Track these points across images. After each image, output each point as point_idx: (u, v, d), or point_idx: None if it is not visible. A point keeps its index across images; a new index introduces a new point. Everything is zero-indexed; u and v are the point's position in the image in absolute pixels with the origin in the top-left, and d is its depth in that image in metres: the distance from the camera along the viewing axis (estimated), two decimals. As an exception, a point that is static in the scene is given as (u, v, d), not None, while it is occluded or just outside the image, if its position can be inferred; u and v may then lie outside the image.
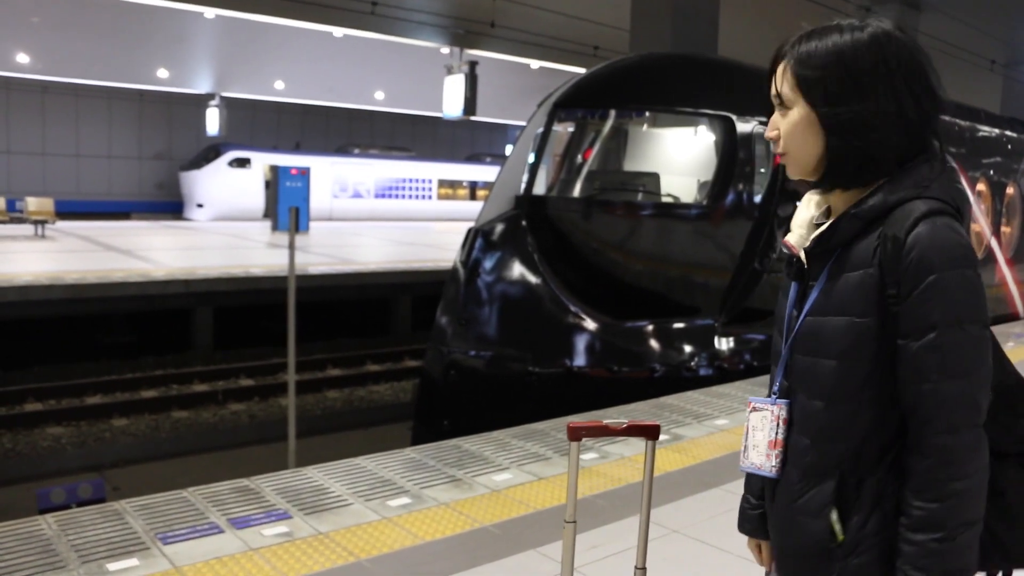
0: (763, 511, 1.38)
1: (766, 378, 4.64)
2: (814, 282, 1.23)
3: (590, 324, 5.48)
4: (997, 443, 1.18)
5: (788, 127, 1.21)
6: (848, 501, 1.19)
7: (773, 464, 1.27)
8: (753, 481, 1.41)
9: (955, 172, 1.22)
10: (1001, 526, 1.21)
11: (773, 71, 1.24)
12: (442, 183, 27.31)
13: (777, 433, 1.27)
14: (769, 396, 1.30)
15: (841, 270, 1.19)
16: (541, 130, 5.91)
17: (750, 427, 1.32)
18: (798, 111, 1.20)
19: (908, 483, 1.14)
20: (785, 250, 1.31)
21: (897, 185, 1.17)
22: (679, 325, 5.75)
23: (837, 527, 1.19)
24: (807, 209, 1.31)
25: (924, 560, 1.11)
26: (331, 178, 24.42)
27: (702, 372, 5.63)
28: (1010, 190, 9.34)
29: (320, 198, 23.08)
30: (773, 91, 1.23)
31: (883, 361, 1.15)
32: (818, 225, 1.26)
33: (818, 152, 1.20)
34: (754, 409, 1.32)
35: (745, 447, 1.33)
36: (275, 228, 6.08)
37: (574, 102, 6.17)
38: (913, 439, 1.14)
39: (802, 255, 1.26)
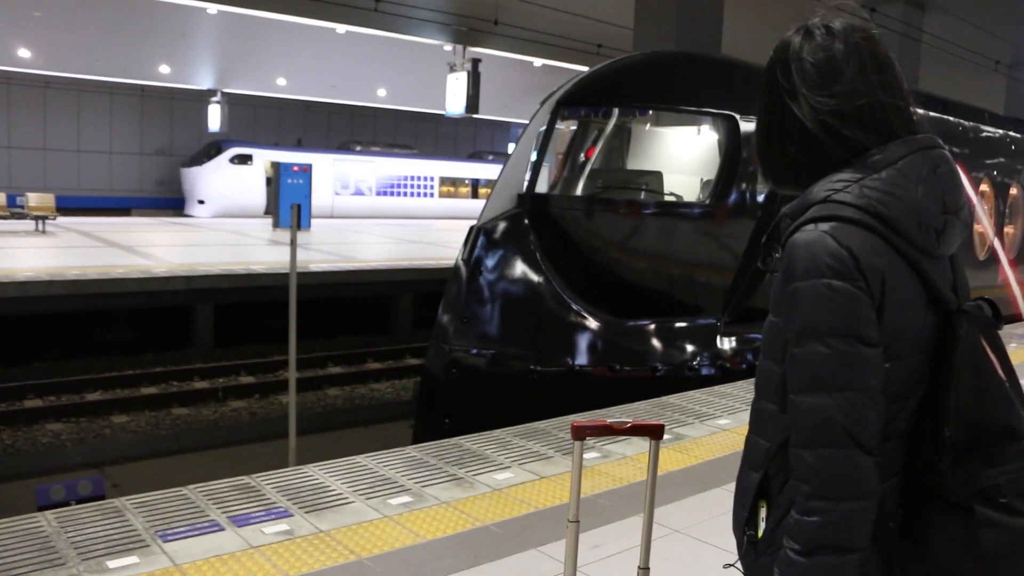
0: None
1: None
2: None
3: (592, 323, 5.46)
4: (951, 491, 1.10)
5: (758, 127, 1.28)
6: (771, 499, 1.17)
7: None
8: None
9: (908, 172, 1.12)
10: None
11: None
12: (444, 181, 27.29)
13: None
14: None
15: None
16: (544, 128, 5.89)
17: None
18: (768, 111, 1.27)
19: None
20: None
21: (820, 185, 1.14)
22: (681, 324, 5.73)
23: (762, 523, 1.18)
24: None
25: (783, 567, 1.09)
26: (333, 175, 24.40)
27: (704, 372, 5.61)
28: (1014, 191, 9.32)
29: (322, 195, 23.06)
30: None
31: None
32: None
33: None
34: None
35: None
36: (276, 225, 6.06)
37: (577, 100, 6.15)
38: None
39: None
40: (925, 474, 1.12)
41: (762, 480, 1.18)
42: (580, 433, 1.85)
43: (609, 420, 1.85)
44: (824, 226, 1.09)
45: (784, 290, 1.11)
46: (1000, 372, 1.13)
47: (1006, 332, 7.84)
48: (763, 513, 1.18)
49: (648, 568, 1.94)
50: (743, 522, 1.21)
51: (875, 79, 1.15)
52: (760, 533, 1.18)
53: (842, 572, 1.06)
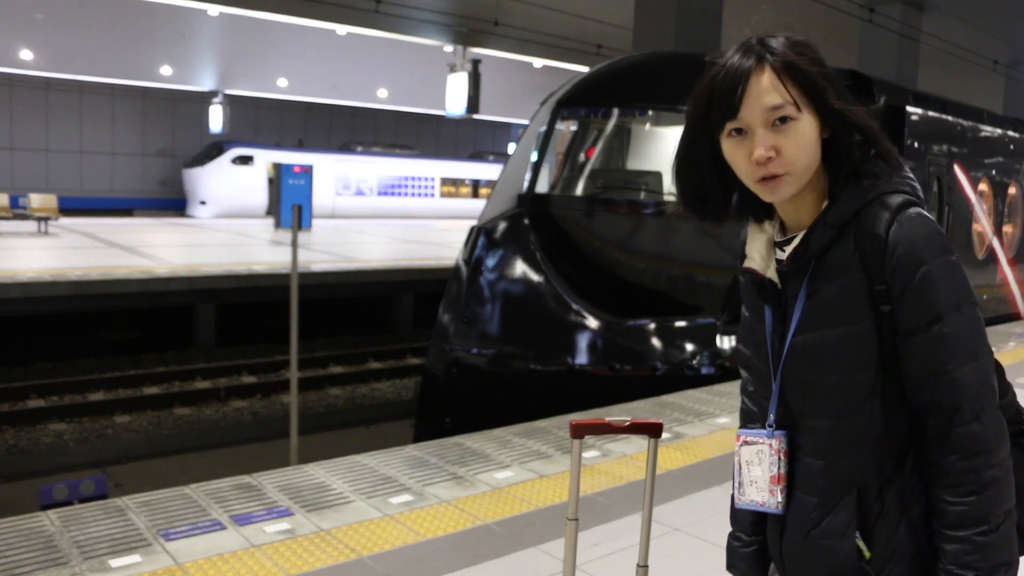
0: (758, 547, 1.31)
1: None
2: (794, 300, 1.18)
3: (592, 322, 5.48)
4: None
5: (801, 140, 1.10)
6: (871, 513, 1.14)
7: (779, 500, 1.21)
8: (743, 516, 1.32)
9: (900, 165, 1.20)
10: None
11: (744, 89, 1.11)
12: (445, 181, 27.30)
13: (779, 468, 1.21)
14: (764, 428, 1.23)
15: (821, 282, 1.15)
16: (544, 128, 5.91)
17: (743, 461, 1.24)
18: (808, 119, 1.10)
19: (940, 481, 1.10)
20: (745, 278, 1.27)
21: (858, 187, 1.14)
22: (681, 324, 5.74)
23: (861, 543, 1.14)
24: (759, 232, 1.26)
25: (970, 557, 1.06)
26: (334, 176, 24.42)
27: (704, 371, 5.62)
28: (1012, 190, 9.32)
29: (323, 196, 23.08)
30: (768, 106, 1.09)
31: (884, 364, 1.12)
32: (778, 244, 1.21)
33: (817, 161, 1.14)
34: (745, 443, 1.24)
35: (740, 483, 1.25)
36: (278, 225, 6.08)
37: (577, 100, 6.16)
38: (937, 435, 1.10)
39: (773, 277, 1.22)
40: None
41: (859, 499, 1.15)
42: (579, 431, 1.86)
43: (608, 418, 1.86)
44: (915, 211, 1.12)
45: (907, 281, 1.09)
46: None
47: (1005, 331, 7.84)
48: (856, 534, 1.15)
49: (647, 566, 1.95)
50: (852, 552, 1.14)
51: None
52: (867, 553, 1.14)
53: (1015, 531, 1.10)
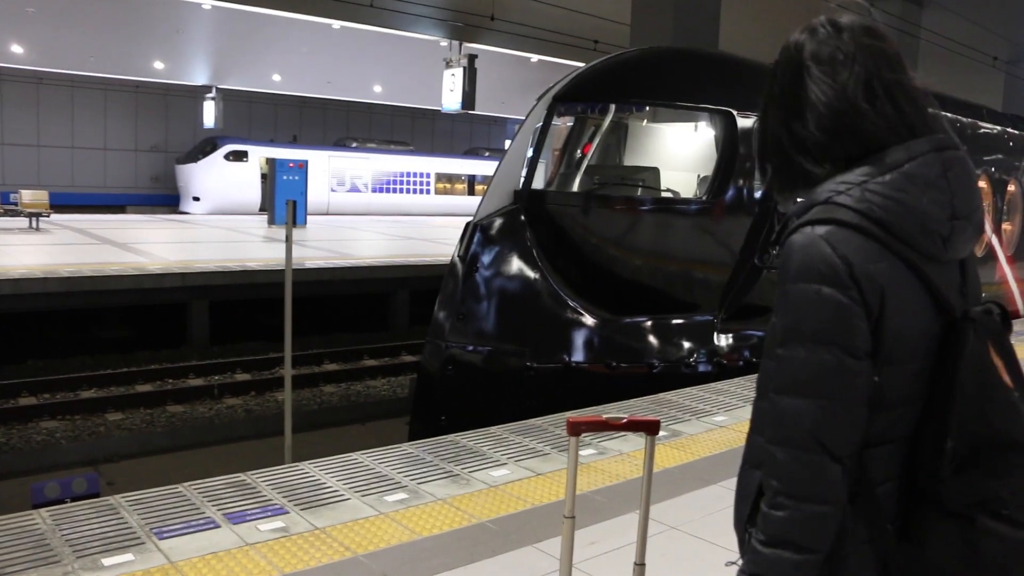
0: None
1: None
2: None
3: (589, 319, 5.46)
4: (951, 499, 1.09)
5: None
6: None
7: None
8: None
9: (915, 175, 1.10)
10: None
11: None
12: (440, 177, 27.25)
13: None
14: None
15: None
16: (540, 124, 5.87)
17: None
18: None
19: None
20: None
21: (824, 186, 1.13)
22: (678, 321, 5.73)
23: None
24: None
25: (748, 554, 1.13)
26: (328, 172, 24.35)
27: (701, 369, 5.61)
28: (1011, 187, 9.33)
29: (317, 192, 23.01)
30: None
31: None
32: None
33: None
34: None
35: None
36: (272, 222, 6.05)
37: (574, 96, 6.13)
38: None
39: None
40: (925, 480, 1.12)
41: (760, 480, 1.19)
42: (576, 429, 1.84)
43: (605, 416, 1.84)
44: (820, 229, 1.08)
45: (777, 291, 1.11)
46: (1007, 380, 1.10)
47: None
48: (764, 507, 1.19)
49: (644, 564, 1.94)
50: (745, 519, 1.21)
51: (887, 76, 1.14)
52: None
53: (800, 570, 1.08)
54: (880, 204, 1.09)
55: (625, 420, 1.84)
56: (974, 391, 1.09)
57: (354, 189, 25.17)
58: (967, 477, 1.08)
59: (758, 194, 5.88)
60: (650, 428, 1.84)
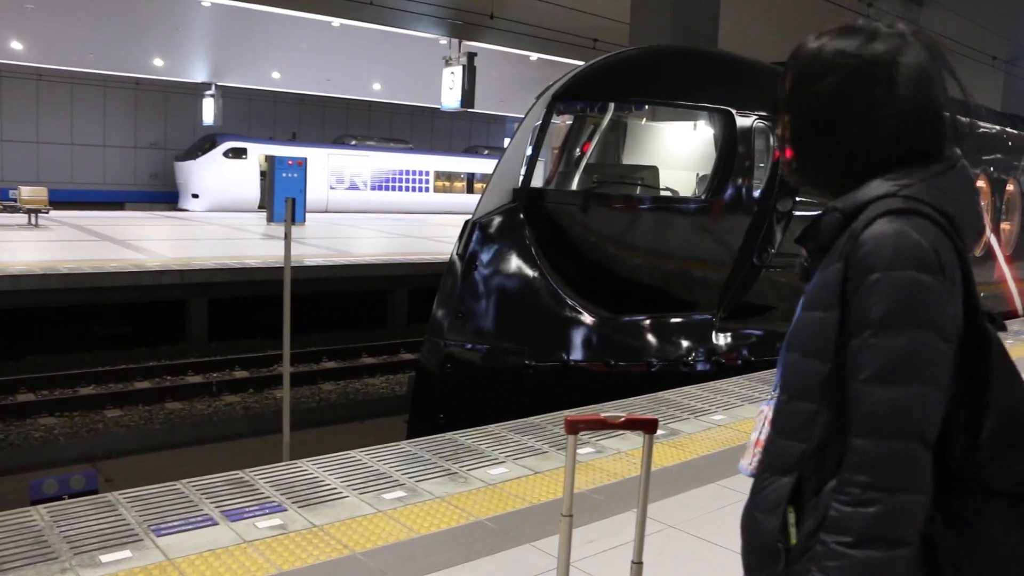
0: None
1: (763, 374, 4.62)
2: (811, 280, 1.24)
3: (587, 318, 5.46)
4: (991, 479, 1.11)
5: None
6: (806, 504, 1.14)
7: (750, 463, 1.27)
8: None
9: (964, 177, 1.18)
10: (968, 568, 1.12)
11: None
12: (439, 175, 27.24)
13: (761, 433, 1.26)
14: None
15: (823, 265, 1.19)
16: (539, 123, 5.87)
17: (753, 429, 1.33)
18: None
19: (836, 487, 1.10)
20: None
21: (880, 181, 1.16)
22: (677, 320, 5.73)
23: (792, 529, 1.15)
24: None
25: (827, 562, 1.07)
26: (328, 169, 24.33)
27: (699, 367, 5.62)
28: (1010, 187, 9.34)
29: (316, 189, 22.99)
30: None
31: (840, 361, 1.12)
32: None
33: None
34: (760, 411, 1.33)
35: (746, 446, 1.34)
36: (271, 219, 6.05)
37: (573, 95, 6.13)
38: (849, 436, 1.11)
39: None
40: (963, 466, 1.13)
41: (795, 485, 1.15)
42: (574, 427, 1.84)
43: (603, 415, 1.84)
44: (903, 219, 1.10)
45: (860, 281, 1.10)
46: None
47: (999, 328, 7.86)
48: (792, 519, 1.15)
49: (641, 563, 1.94)
50: (774, 531, 1.17)
51: (939, 86, 1.19)
52: (793, 540, 1.15)
53: (892, 566, 1.05)
54: (945, 199, 1.14)
55: (623, 419, 1.84)
56: (1005, 376, 1.13)
57: (353, 187, 25.15)
58: (1008, 457, 1.12)
59: (757, 193, 5.88)
60: (648, 427, 1.85)
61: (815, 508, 1.13)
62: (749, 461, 1.28)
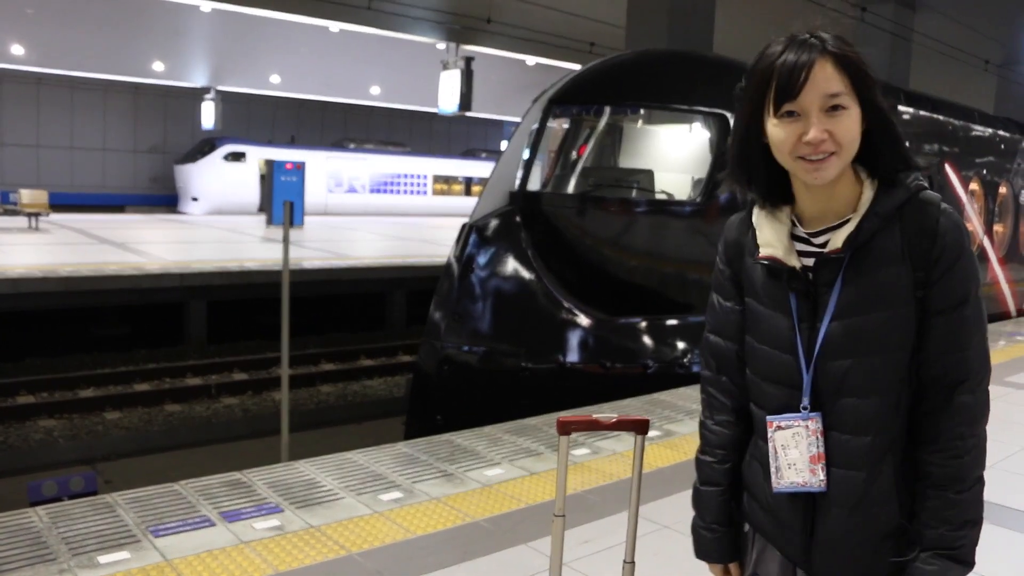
0: (728, 533, 1.41)
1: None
2: (827, 288, 1.24)
3: (583, 320, 5.49)
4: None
5: (850, 128, 1.19)
6: (901, 479, 1.26)
7: (821, 478, 1.26)
8: (711, 506, 1.42)
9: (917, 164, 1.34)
10: None
11: (808, 75, 1.18)
12: (437, 178, 27.28)
13: (819, 447, 1.25)
14: (799, 411, 1.27)
15: (863, 269, 1.22)
16: (536, 126, 5.90)
17: (778, 447, 1.29)
18: (855, 111, 1.20)
19: (929, 446, 1.22)
20: (764, 265, 1.30)
21: (899, 185, 1.25)
22: (672, 322, 5.76)
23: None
24: (776, 223, 1.31)
25: (947, 512, 1.20)
26: (326, 173, 24.36)
27: (695, 369, 5.64)
28: (1003, 190, 9.38)
29: (315, 193, 23.02)
30: (827, 93, 1.18)
31: (912, 346, 1.23)
32: (797, 238, 1.29)
33: (856, 151, 1.23)
34: (779, 428, 1.28)
35: (777, 468, 1.29)
36: (270, 222, 6.07)
37: (569, 98, 6.16)
38: (936, 405, 1.22)
39: (796, 265, 1.26)
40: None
41: (894, 468, 1.24)
42: (565, 428, 1.87)
43: (595, 416, 1.87)
44: (947, 207, 1.26)
45: (951, 264, 1.21)
46: None
47: (994, 330, 7.89)
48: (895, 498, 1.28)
49: (633, 562, 1.96)
50: (895, 515, 1.25)
51: None
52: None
53: (982, 492, 1.24)
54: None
55: (614, 420, 1.86)
56: None
57: (352, 190, 25.18)
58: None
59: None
60: (639, 428, 1.87)
61: (908, 479, 1.25)
62: (819, 477, 1.25)
